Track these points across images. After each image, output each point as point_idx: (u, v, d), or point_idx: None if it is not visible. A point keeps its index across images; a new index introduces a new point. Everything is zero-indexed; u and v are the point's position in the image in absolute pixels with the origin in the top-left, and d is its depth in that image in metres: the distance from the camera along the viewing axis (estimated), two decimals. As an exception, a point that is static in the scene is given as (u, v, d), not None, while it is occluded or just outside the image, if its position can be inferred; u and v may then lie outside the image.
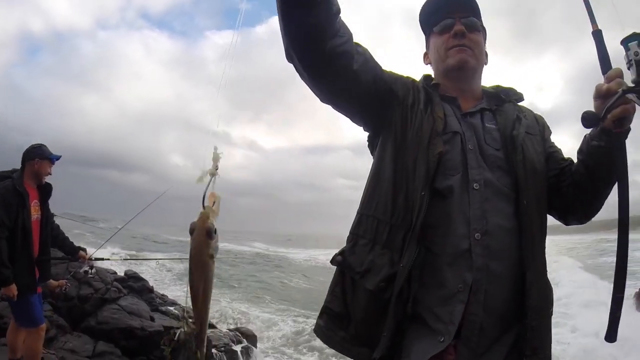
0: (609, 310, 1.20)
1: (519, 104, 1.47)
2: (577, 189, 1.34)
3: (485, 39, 1.49)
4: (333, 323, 1.30)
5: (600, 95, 1.16)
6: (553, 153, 1.42)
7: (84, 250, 4.37)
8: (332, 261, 1.35)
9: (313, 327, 1.38)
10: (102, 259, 4.64)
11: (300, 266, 24.55)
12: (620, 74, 1.15)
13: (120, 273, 8.45)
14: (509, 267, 1.20)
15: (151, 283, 8.79)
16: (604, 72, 1.25)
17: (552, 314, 1.31)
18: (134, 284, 8.00)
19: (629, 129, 1.20)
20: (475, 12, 1.45)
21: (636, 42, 1.12)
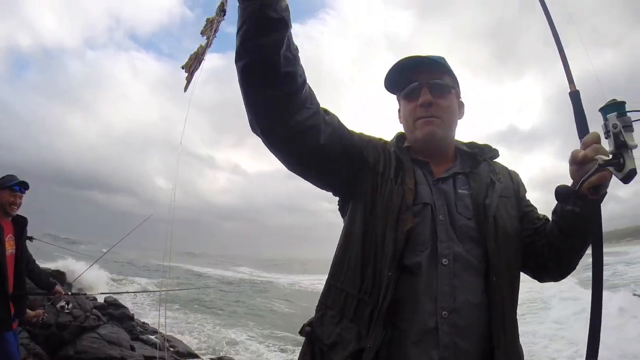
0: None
1: (496, 159, 1.46)
2: (552, 250, 1.32)
3: (458, 94, 1.44)
4: None
5: (576, 162, 1.14)
6: (528, 213, 1.39)
7: (61, 277, 4.27)
8: (301, 332, 1.33)
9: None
10: (79, 294, 4.55)
11: (284, 291, 24.32)
12: (597, 140, 1.13)
13: (100, 299, 8.28)
14: (477, 343, 1.18)
15: (130, 307, 8.62)
16: (580, 136, 1.24)
17: None
18: (114, 311, 7.87)
19: (605, 194, 1.19)
20: (444, 68, 1.39)
21: (615, 113, 1.10)
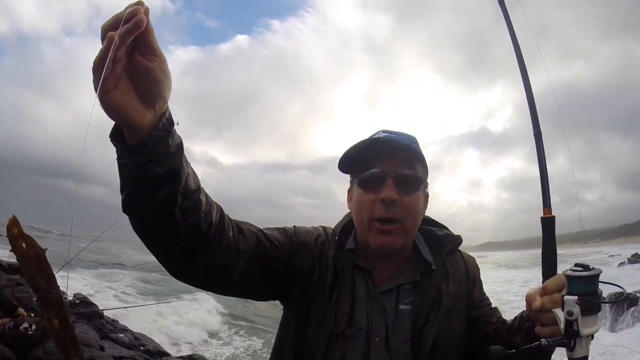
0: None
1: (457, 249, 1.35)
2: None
3: (426, 186, 1.26)
4: None
5: (533, 310, 0.99)
6: (478, 317, 1.28)
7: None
8: None
9: None
10: (40, 320, 4.51)
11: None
12: (560, 287, 0.96)
13: (69, 296, 8.17)
14: None
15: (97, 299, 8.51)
16: (545, 274, 1.10)
17: None
18: (83, 309, 7.77)
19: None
20: (417, 158, 1.21)
21: (575, 298, 0.92)
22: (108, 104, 0.75)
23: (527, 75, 1.32)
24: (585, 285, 0.93)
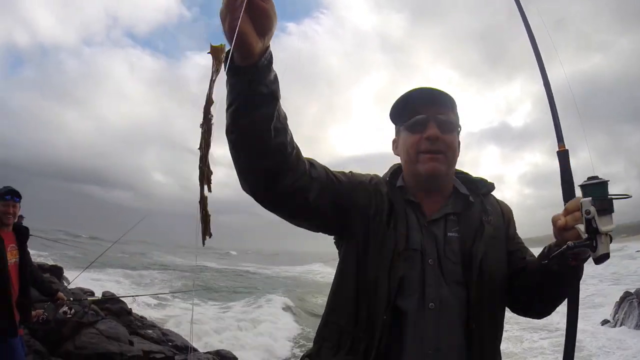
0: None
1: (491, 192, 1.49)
2: (530, 294, 1.37)
3: (459, 132, 1.44)
4: None
5: (557, 229, 1.15)
6: (514, 252, 1.42)
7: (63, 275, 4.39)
8: None
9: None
10: (80, 300, 4.68)
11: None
12: (578, 208, 1.10)
13: (98, 294, 8.38)
14: None
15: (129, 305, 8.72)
16: (565, 199, 1.25)
17: None
18: (111, 306, 7.94)
19: (586, 259, 1.18)
20: (452, 106, 1.41)
21: (590, 199, 1.08)
22: (236, 29, 0.90)
23: (543, 63, 1.48)
24: (596, 189, 1.08)
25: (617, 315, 11.32)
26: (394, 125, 1.52)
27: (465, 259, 1.32)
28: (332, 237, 1.50)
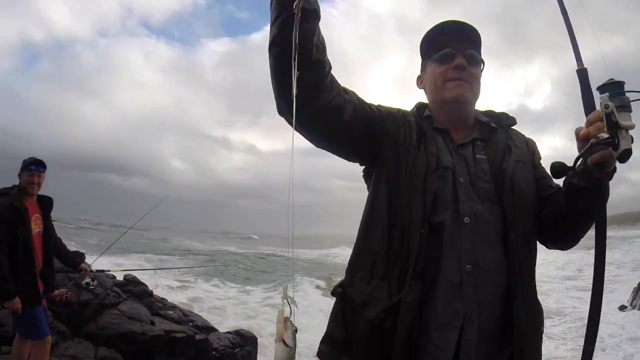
0: None
1: (513, 127, 1.51)
2: (556, 220, 1.37)
3: (482, 69, 1.48)
4: (335, 349, 1.36)
5: (579, 139, 1.16)
6: (540, 180, 1.44)
7: (83, 256, 4.41)
8: (333, 292, 1.43)
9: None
10: (103, 271, 4.68)
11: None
12: (600, 119, 1.12)
13: (120, 277, 8.46)
14: (498, 297, 1.26)
15: (151, 288, 8.79)
16: (587, 114, 1.25)
17: (542, 333, 1.37)
18: (133, 288, 8.01)
19: (613, 171, 1.20)
20: (477, 45, 1.46)
21: (607, 94, 1.10)
22: None
23: (568, 18, 1.49)
24: (613, 87, 1.10)
25: (635, 302, 11.14)
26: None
27: (496, 177, 1.34)
28: (362, 169, 1.52)
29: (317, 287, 14.98)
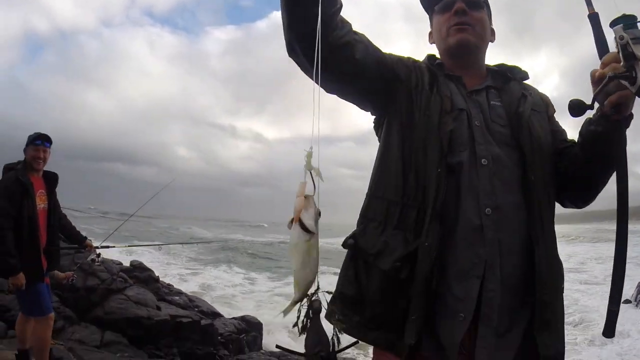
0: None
1: (525, 82, 1.46)
2: (574, 172, 1.32)
3: (490, 16, 1.47)
4: (347, 308, 1.28)
5: (595, 81, 1.13)
6: (556, 132, 1.41)
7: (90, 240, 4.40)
8: (344, 244, 1.34)
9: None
10: (108, 247, 4.68)
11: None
12: (615, 59, 1.09)
13: (126, 264, 8.51)
14: (519, 242, 1.21)
15: (157, 273, 8.83)
16: (600, 57, 1.21)
17: (563, 290, 1.32)
18: (139, 274, 8.05)
19: (630, 116, 1.17)
20: None
21: (621, 25, 1.06)
22: None
23: None
24: (626, 19, 1.06)
25: (639, 296, 11.06)
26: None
27: (512, 121, 1.30)
28: (372, 119, 1.48)
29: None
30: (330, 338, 1.13)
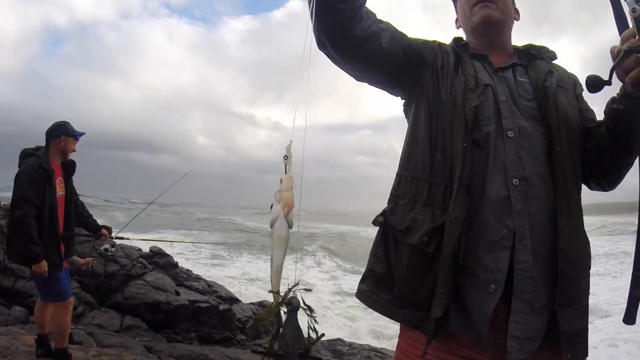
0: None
1: (552, 62, 1.44)
2: (599, 153, 1.30)
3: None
4: (377, 286, 1.31)
5: (615, 54, 1.09)
6: (583, 111, 1.38)
7: (109, 228, 4.43)
8: (374, 222, 1.36)
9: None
10: (122, 238, 4.71)
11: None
12: (634, 34, 1.06)
13: (146, 249, 8.64)
14: (546, 213, 1.19)
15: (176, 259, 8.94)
16: (620, 33, 1.17)
17: (589, 267, 1.29)
18: (159, 260, 8.17)
19: None
20: None
21: None
22: None
23: None
24: None
25: None
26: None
27: (539, 95, 1.29)
28: (402, 102, 1.50)
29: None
30: (306, 334, 1.10)
